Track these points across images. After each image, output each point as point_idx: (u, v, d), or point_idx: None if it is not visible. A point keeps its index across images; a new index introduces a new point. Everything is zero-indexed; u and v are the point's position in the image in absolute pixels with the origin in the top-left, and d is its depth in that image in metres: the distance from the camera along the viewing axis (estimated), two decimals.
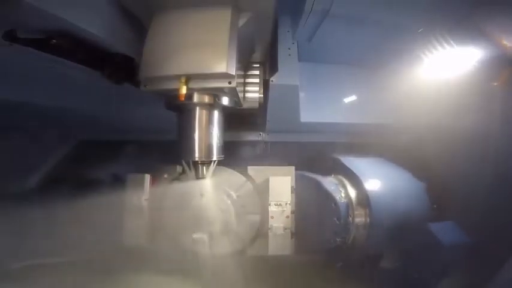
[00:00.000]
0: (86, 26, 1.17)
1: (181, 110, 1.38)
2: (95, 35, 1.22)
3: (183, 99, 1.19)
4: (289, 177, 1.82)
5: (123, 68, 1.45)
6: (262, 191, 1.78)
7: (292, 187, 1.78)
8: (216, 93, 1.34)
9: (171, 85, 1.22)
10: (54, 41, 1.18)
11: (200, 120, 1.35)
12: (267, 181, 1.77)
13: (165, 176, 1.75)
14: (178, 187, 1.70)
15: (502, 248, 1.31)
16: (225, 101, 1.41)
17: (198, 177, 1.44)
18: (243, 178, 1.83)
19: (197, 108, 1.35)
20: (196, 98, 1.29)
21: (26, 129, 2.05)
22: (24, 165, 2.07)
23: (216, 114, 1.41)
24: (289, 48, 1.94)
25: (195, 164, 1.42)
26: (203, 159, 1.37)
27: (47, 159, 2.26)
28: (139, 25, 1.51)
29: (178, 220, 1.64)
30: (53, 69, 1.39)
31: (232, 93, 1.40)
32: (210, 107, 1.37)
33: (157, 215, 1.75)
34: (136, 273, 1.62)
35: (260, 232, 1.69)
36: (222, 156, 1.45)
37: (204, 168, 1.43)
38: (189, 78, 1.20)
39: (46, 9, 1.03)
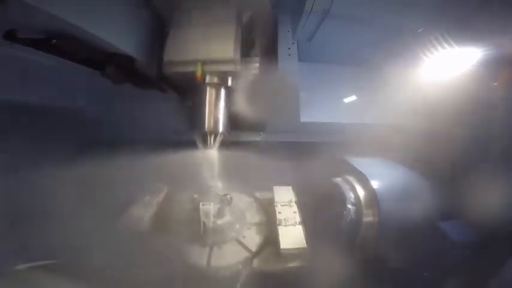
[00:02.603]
0: (86, 26, 1.17)
1: (195, 91, 1.59)
2: (95, 35, 1.22)
3: (200, 79, 1.45)
4: (291, 187, 1.89)
5: (123, 68, 1.45)
6: (270, 214, 1.78)
7: (295, 201, 1.78)
8: (224, 76, 1.56)
9: (189, 68, 1.47)
10: (54, 41, 1.18)
11: (210, 98, 1.58)
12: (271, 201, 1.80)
13: (195, 196, 1.61)
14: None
15: (509, 247, 1.31)
16: (231, 82, 1.62)
17: (206, 148, 1.60)
18: (251, 198, 1.94)
19: (208, 88, 1.57)
20: (207, 79, 1.52)
21: (26, 129, 2.05)
22: (24, 165, 2.07)
23: (223, 93, 1.62)
24: (289, 48, 1.94)
25: (204, 135, 1.59)
26: (211, 130, 1.57)
27: (47, 159, 2.26)
28: (139, 25, 1.52)
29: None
30: (53, 69, 1.39)
31: (237, 76, 1.62)
32: (219, 86, 1.59)
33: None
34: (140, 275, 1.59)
35: (267, 241, 1.62)
36: (229, 130, 1.66)
37: (212, 139, 1.59)
38: (203, 63, 1.45)
39: (46, 9, 1.02)
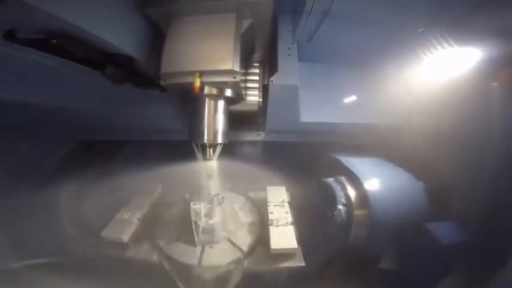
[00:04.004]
0: (86, 26, 1.17)
1: (193, 101, 1.58)
2: (95, 35, 1.22)
3: (197, 90, 1.40)
4: (284, 187, 1.86)
5: (123, 68, 1.45)
6: (262, 214, 1.77)
7: (288, 201, 1.76)
8: (222, 86, 1.54)
9: (186, 79, 1.42)
10: (54, 41, 1.18)
11: (209, 109, 1.55)
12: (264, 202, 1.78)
13: (187, 195, 1.64)
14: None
15: (502, 247, 1.31)
16: (229, 93, 1.61)
17: (205, 159, 1.59)
18: (243, 198, 1.93)
19: (206, 99, 1.55)
20: (206, 90, 1.49)
21: (26, 129, 2.05)
22: (24, 165, 2.08)
23: (222, 103, 1.60)
24: (289, 48, 1.94)
25: (204, 146, 1.57)
26: (210, 142, 1.56)
27: (47, 159, 2.26)
28: (140, 25, 1.52)
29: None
30: (53, 69, 1.39)
31: (236, 86, 1.60)
32: (217, 97, 1.57)
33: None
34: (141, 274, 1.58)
35: (259, 241, 1.61)
36: (227, 140, 1.62)
37: (211, 150, 1.58)
38: (201, 74, 1.41)
39: (46, 9, 1.02)
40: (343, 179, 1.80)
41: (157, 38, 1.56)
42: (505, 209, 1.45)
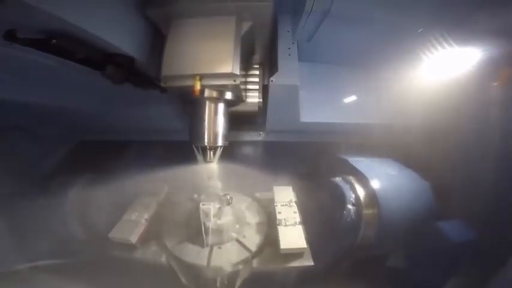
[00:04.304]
0: (86, 26, 1.17)
1: (193, 103, 1.58)
2: (95, 35, 1.22)
3: (198, 94, 1.40)
4: (291, 187, 1.86)
5: (123, 68, 1.45)
6: (270, 214, 1.77)
7: (295, 201, 1.76)
8: (222, 89, 1.54)
9: (186, 82, 1.42)
10: (54, 41, 1.17)
11: (209, 112, 1.56)
12: (271, 202, 1.79)
13: (195, 196, 1.65)
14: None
15: (507, 246, 1.31)
16: (230, 95, 1.61)
17: (206, 161, 1.59)
18: (250, 198, 1.94)
19: (207, 102, 1.55)
20: (206, 93, 1.50)
21: (26, 129, 2.05)
22: (23, 165, 2.08)
23: (222, 106, 1.60)
24: (289, 48, 1.94)
25: (204, 149, 1.57)
26: (211, 144, 1.56)
27: (47, 159, 2.26)
28: (140, 25, 1.51)
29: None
30: (53, 69, 1.39)
31: (236, 89, 1.61)
32: (218, 100, 1.58)
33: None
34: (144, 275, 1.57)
35: (267, 241, 1.60)
36: (227, 142, 1.62)
37: (211, 152, 1.58)
38: (202, 77, 1.41)
39: (46, 9, 1.02)
40: (351, 178, 1.80)
41: (157, 39, 1.56)
42: (505, 209, 1.45)
